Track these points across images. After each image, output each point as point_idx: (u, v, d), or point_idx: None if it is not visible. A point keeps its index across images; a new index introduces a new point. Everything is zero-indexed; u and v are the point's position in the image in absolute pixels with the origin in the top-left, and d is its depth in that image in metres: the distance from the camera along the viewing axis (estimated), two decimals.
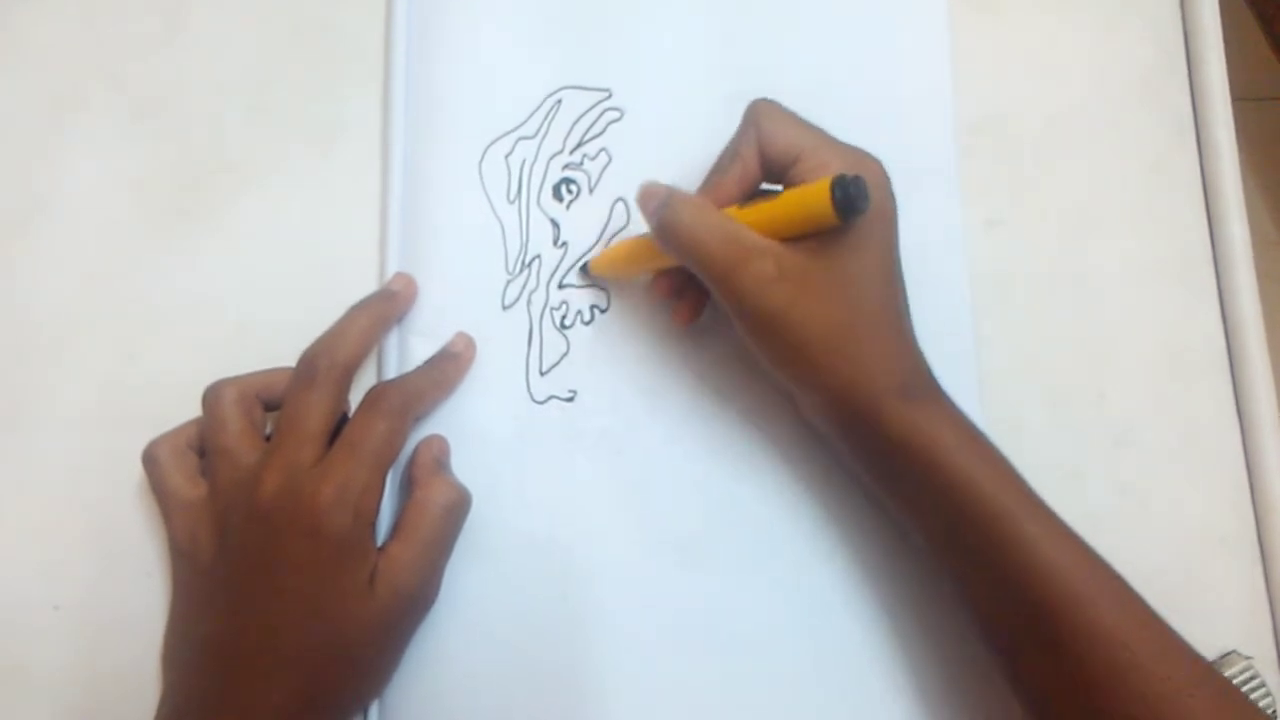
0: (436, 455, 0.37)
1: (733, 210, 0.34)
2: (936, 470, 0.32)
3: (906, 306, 0.35)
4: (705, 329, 0.39)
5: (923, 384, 0.34)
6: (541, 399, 0.39)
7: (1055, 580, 0.30)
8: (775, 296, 0.33)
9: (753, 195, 0.35)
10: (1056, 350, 0.40)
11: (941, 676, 0.36)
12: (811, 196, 0.32)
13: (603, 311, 0.40)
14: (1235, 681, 0.36)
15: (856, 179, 0.31)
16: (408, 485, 0.37)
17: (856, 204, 0.31)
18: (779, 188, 0.35)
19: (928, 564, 0.35)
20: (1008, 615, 0.32)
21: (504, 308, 0.40)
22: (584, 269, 0.40)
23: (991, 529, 0.31)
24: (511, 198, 0.41)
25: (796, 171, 0.34)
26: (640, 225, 0.37)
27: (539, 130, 0.42)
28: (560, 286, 0.40)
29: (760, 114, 0.35)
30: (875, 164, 0.34)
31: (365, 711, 0.36)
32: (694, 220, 0.34)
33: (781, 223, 0.33)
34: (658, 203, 0.35)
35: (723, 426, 0.39)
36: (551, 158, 0.41)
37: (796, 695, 0.36)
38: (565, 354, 0.40)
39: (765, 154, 0.35)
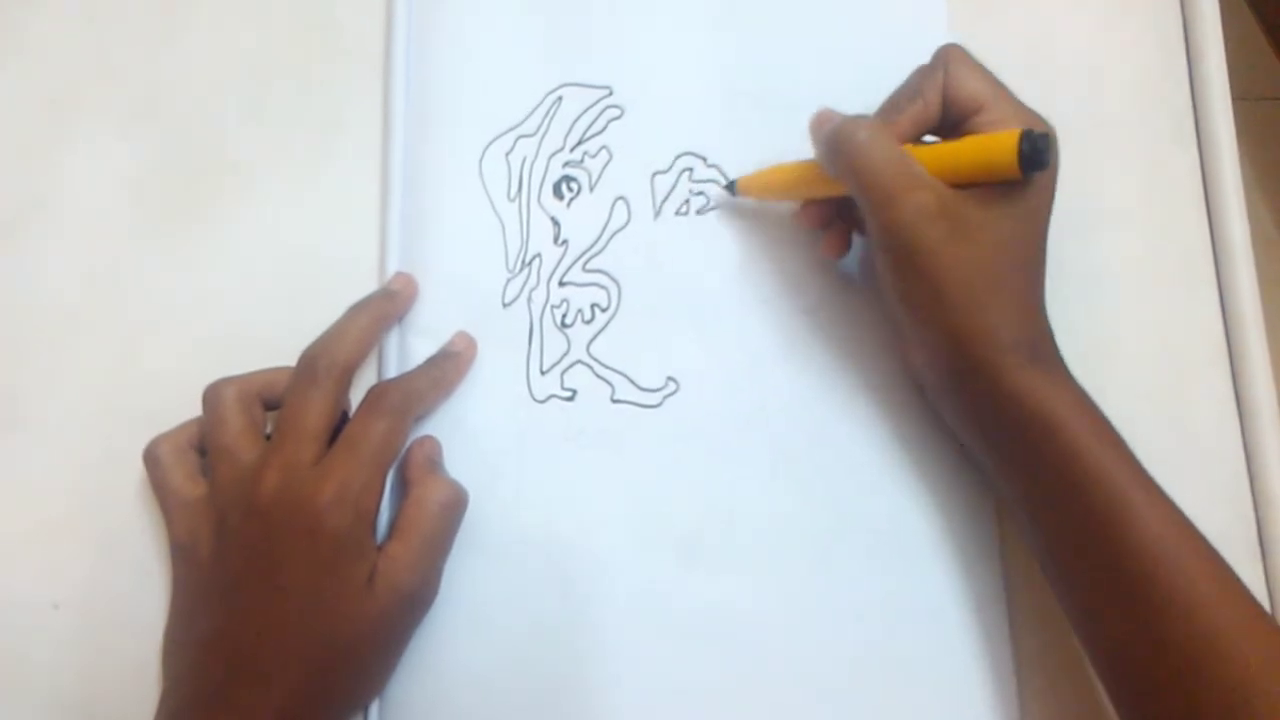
0: (429, 454, 0.37)
1: (905, 147, 0.34)
2: (1047, 433, 0.32)
3: (1043, 277, 0.35)
4: (703, 330, 0.39)
5: (1048, 351, 0.34)
6: (542, 398, 0.39)
7: (1150, 549, 0.30)
8: (930, 232, 0.32)
9: (919, 140, 0.35)
10: None
11: (943, 677, 0.36)
12: (997, 145, 0.32)
13: (604, 310, 0.40)
14: None
15: (1045, 136, 0.31)
16: (403, 485, 0.37)
17: (1042, 159, 0.31)
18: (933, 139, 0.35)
19: (1014, 520, 0.35)
20: (1096, 576, 0.32)
21: (504, 306, 0.40)
22: (730, 187, 0.40)
23: (1094, 493, 0.31)
24: (512, 195, 0.41)
25: (976, 122, 0.34)
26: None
27: (539, 128, 0.42)
28: (561, 284, 0.40)
29: (951, 58, 0.34)
30: (1051, 129, 0.34)
31: (365, 710, 0.36)
32: (868, 140, 0.33)
33: (957, 165, 0.33)
34: (832, 124, 0.35)
35: (722, 426, 0.39)
36: (552, 155, 0.41)
37: (796, 694, 0.36)
38: (566, 352, 0.40)
39: (948, 97, 0.34)
